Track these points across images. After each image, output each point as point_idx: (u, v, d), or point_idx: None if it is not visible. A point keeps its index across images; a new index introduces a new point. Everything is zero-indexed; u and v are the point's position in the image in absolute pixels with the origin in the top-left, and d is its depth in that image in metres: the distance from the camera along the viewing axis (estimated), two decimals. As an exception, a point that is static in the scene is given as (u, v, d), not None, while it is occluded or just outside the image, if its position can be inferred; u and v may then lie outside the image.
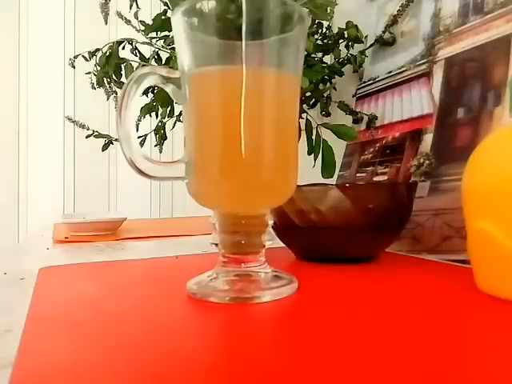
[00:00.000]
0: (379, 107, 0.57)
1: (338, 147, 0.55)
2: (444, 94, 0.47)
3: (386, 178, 0.52)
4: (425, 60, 0.50)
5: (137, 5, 0.58)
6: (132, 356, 0.18)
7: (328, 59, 0.58)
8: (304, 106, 0.55)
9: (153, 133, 0.64)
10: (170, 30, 0.53)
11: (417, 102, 0.51)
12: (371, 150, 0.56)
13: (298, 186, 0.32)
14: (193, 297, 0.27)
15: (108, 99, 0.64)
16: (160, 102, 0.57)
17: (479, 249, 0.27)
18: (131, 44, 0.58)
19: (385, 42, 0.57)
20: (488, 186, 0.25)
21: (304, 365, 0.16)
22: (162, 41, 0.56)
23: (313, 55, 0.53)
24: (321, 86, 0.56)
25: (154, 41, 0.57)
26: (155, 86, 0.55)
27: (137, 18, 0.59)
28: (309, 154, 0.50)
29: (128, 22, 0.62)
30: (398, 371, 0.16)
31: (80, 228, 0.64)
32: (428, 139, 0.47)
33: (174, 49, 0.51)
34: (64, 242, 0.59)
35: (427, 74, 0.50)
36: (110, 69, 0.56)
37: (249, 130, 0.27)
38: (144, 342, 0.19)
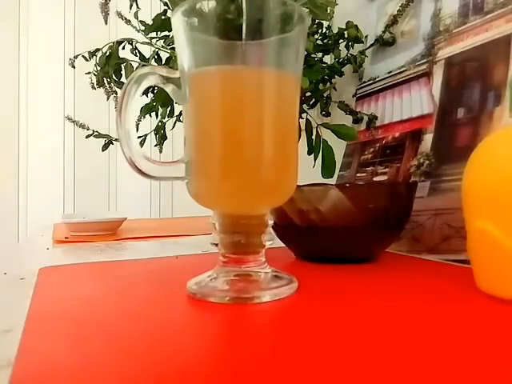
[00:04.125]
0: (379, 107, 0.57)
1: (338, 147, 0.55)
2: (444, 93, 0.47)
3: (386, 178, 0.52)
4: (425, 60, 0.50)
5: (137, 5, 0.58)
6: (132, 356, 0.18)
7: (328, 59, 0.58)
8: (304, 105, 0.55)
9: (153, 133, 0.64)
10: (170, 30, 0.53)
11: (417, 102, 0.51)
12: (371, 150, 0.56)
13: (298, 186, 0.32)
14: (193, 297, 0.27)
15: (108, 99, 0.64)
16: (160, 102, 0.57)
17: (479, 249, 0.27)
18: (131, 44, 0.58)
19: (385, 42, 0.57)
20: (488, 185, 0.25)
21: (304, 365, 0.16)
22: (162, 41, 0.56)
23: (313, 55, 0.53)
24: (321, 86, 0.56)
25: (153, 41, 0.57)
26: (155, 86, 0.55)
27: (137, 18, 0.59)
28: (309, 154, 0.50)
29: (128, 22, 0.61)
30: (398, 371, 0.16)
31: (80, 228, 0.64)
32: (428, 139, 0.47)
33: (173, 49, 0.51)
34: (64, 242, 0.59)
35: (427, 74, 0.50)
36: (110, 69, 0.56)
37: (249, 130, 0.27)
38: (144, 341, 0.19)
